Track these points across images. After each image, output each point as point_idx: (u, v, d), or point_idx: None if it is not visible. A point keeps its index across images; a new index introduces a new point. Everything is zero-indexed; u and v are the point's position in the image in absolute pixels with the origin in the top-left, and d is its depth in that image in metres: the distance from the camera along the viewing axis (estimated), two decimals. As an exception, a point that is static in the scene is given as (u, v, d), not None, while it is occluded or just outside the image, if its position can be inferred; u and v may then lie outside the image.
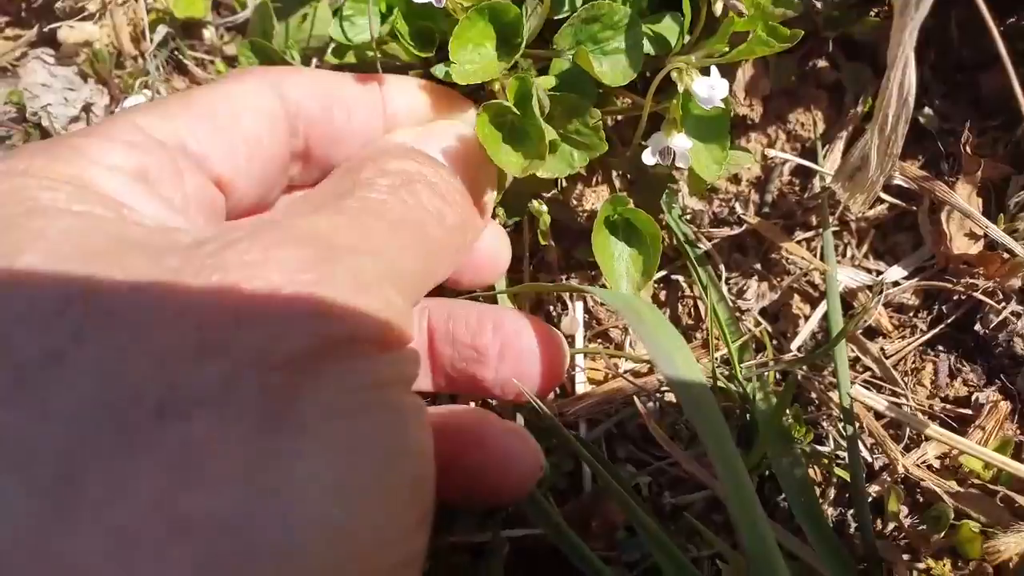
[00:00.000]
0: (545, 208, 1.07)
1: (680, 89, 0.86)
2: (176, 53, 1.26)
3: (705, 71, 0.87)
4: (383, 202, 0.60)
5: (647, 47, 0.95)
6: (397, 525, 0.45)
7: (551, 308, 1.22)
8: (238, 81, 0.70)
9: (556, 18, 1.00)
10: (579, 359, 1.18)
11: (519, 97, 0.88)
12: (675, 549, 0.87)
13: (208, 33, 1.28)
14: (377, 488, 0.45)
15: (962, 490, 1.03)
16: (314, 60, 1.14)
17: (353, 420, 0.44)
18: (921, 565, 1.01)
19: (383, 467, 0.46)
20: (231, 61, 1.27)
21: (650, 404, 1.15)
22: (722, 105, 0.86)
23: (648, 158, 0.92)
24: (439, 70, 0.96)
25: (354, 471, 0.43)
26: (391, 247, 0.56)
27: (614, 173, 1.15)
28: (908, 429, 1.09)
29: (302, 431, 0.42)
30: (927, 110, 1.23)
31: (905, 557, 1.02)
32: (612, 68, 0.92)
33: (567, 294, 1.19)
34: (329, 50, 1.04)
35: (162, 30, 1.23)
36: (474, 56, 0.89)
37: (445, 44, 0.93)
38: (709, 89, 0.83)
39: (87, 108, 1.22)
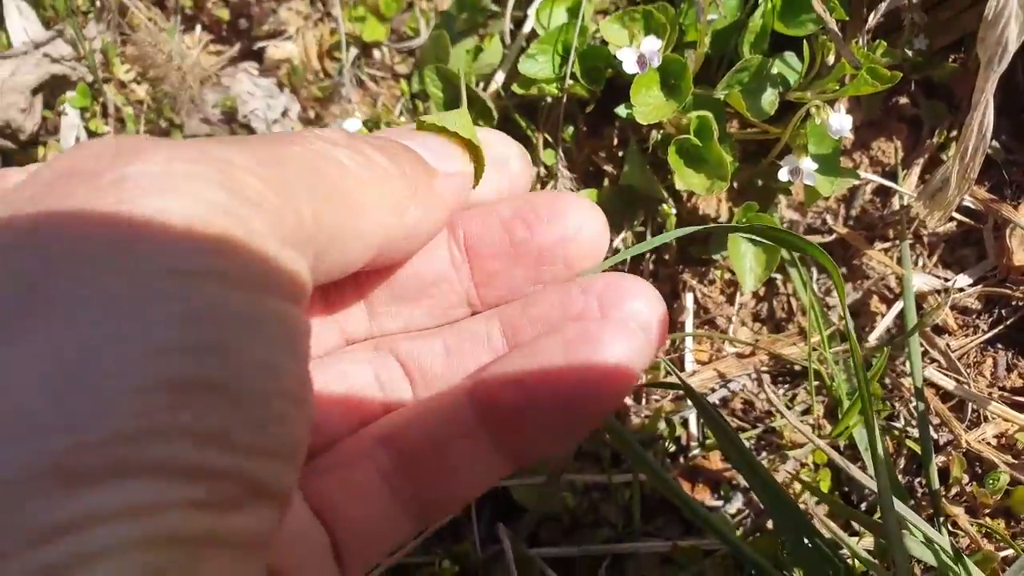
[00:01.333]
0: (674, 211, 1.29)
1: (817, 122, 1.09)
2: (356, 71, 1.50)
3: (833, 107, 1.10)
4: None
5: (777, 90, 1.19)
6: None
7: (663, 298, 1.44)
8: None
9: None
10: (688, 341, 1.40)
11: (699, 130, 1.12)
12: (781, 489, 1.07)
13: (380, 54, 1.53)
14: None
15: (1017, 462, 1.23)
16: (481, 84, 1.38)
17: None
18: (979, 522, 1.21)
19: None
20: (399, 78, 1.52)
21: (750, 382, 1.37)
22: (849, 136, 1.09)
23: (783, 175, 1.16)
24: (622, 111, 1.21)
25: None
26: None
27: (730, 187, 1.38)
28: (970, 410, 1.30)
29: None
30: (994, 143, 1.44)
31: (966, 516, 1.22)
32: (755, 105, 1.16)
33: (680, 286, 1.41)
34: (515, 83, 1.29)
35: (350, 50, 1.48)
36: (648, 99, 1.13)
37: (610, 80, 1.19)
38: (840, 123, 1.06)
39: (285, 113, 1.47)
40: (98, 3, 1.52)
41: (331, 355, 0.60)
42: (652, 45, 1.11)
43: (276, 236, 0.39)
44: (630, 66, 1.13)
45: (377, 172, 0.48)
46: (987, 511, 1.22)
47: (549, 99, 1.35)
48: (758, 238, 1.23)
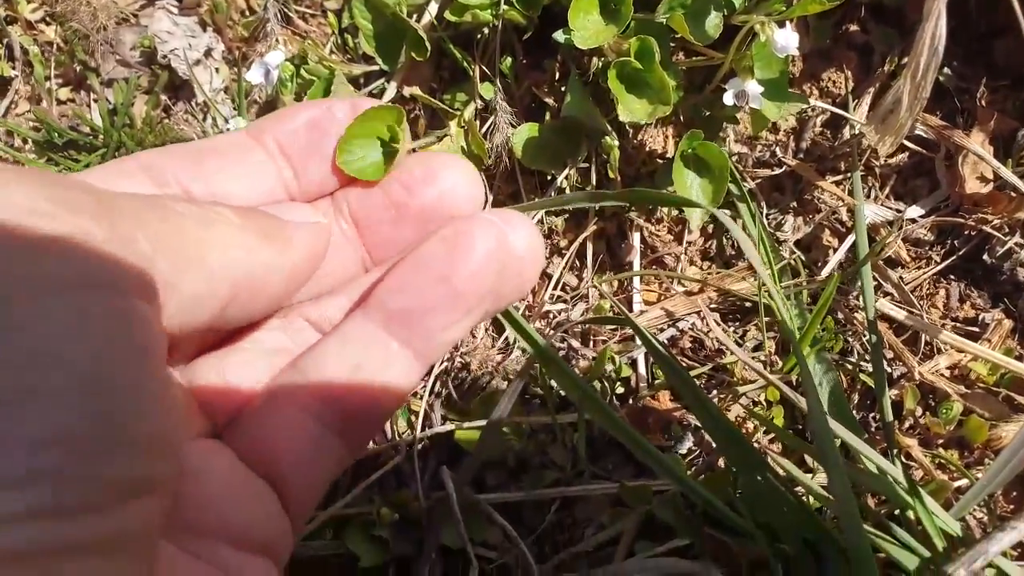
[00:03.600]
0: (616, 143, 1.24)
1: (762, 39, 1.03)
2: (283, 7, 1.42)
3: (779, 25, 1.04)
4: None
5: (721, 13, 1.13)
6: None
7: (608, 238, 1.39)
8: None
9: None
10: (635, 281, 1.35)
11: (641, 53, 1.06)
12: (735, 428, 1.03)
13: (308, -11, 1.45)
14: None
15: (969, 391, 1.20)
16: (415, 16, 1.30)
17: None
18: (932, 452, 1.19)
19: None
20: (332, 13, 1.44)
21: (700, 321, 1.33)
22: (795, 52, 1.04)
23: (728, 99, 1.11)
24: (560, 36, 1.15)
25: None
26: None
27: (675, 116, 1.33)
28: (923, 343, 1.27)
29: None
30: (946, 70, 1.40)
31: (920, 448, 1.20)
32: (699, 29, 1.10)
33: (627, 225, 1.36)
34: (448, 10, 1.21)
35: (274, -15, 1.39)
36: (586, 23, 1.07)
37: (547, 7, 1.12)
38: (786, 39, 1.01)
39: (207, 53, 1.39)
40: (1, -61, 1.41)
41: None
42: (587, -38, 1.05)
43: (109, 240, 0.38)
44: (564, -17, 1.07)
45: (216, 215, 0.48)
46: (940, 442, 1.20)
47: (485, 30, 1.28)
48: (701, 167, 1.19)
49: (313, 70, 1.28)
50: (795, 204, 1.39)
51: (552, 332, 1.29)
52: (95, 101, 1.37)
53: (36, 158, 1.35)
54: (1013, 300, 1.29)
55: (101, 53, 1.36)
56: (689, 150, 1.20)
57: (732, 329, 1.33)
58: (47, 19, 1.40)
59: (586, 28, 1.15)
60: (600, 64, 1.23)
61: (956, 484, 1.14)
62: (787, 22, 1.06)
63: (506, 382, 1.26)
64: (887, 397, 1.19)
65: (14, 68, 1.38)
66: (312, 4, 1.45)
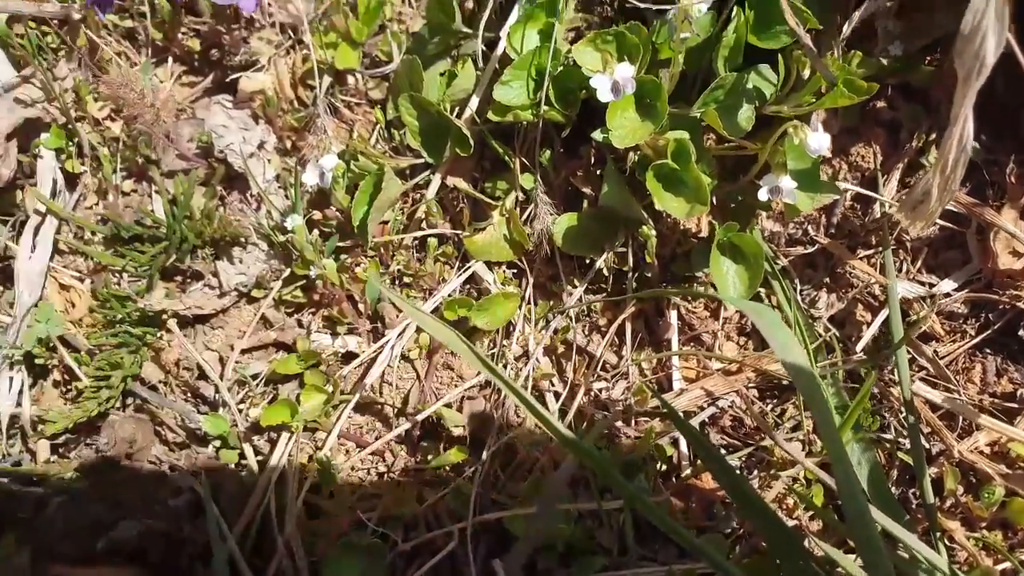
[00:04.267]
0: (654, 232, 1.28)
1: (795, 142, 1.08)
2: (330, 98, 1.49)
3: (806, 121, 1.09)
4: None
5: (753, 106, 1.18)
6: None
7: (646, 317, 1.44)
8: None
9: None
10: (675, 359, 1.39)
11: (676, 153, 1.11)
12: (772, 512, 1.07)
13: (353, 80, 1.52)
14: None
15: (1011, 472, 1.22)
16: (456, 109, 1.36)
17: None
18: (976, 535, 1.21)
19: None
20: (375, 104, 1.50)
21: (739, 399, 1.36)
22: (827, 154, 1.09)
23: (763, 195, 1.15)
24: (598, 135, 1.20)
25: None
26: None
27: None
28: (961, 420, 1.29)
29: None
30: (975, 144, 1.42)
31: (962, 528, 1.22)
32: (731, 123, 1.15)
33: (665, 303, 1.40)
34: (490, 110, 1.28)
35: (324, 79, 1.46)
36: (623, 121, 1.12)
37: (585, 101, 1.18)
38: (818, 142, 1.05)
39: (260, 145, 1.46)
40: (67, 40, 1.50)
41: None
42: (626, 72, 1.11)
43: None
44: (605, 94, 1.13)
45: None
46: (983, 524, 1.22)
47: (525, 123, 1.34)
48: (737, 254, 1.23)
49: (363, 166, 1.34)
50: (828, 280, 1.43)
51: (595, 413, 1.33)
52: (156, 192, 1.45)
53: (103, 250, 1.42)
54: (1050, 375, 1.31)
55: (162, 147, 1.44)
56: (725, 239, 1.24)
57: (770, 407, 1.36)
58: (112, 115, 1.48)
59: (623, 127, 1.21)
60: (636, 158, 1.28)
61: (1000, 567, 1.17)
62: (818, 124, 1.10)
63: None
64: (927, 478, 1.22)
65: (83, 164, 1.47)
66: (357, 93, 1.52)
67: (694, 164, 1.13)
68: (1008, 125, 1.44)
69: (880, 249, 1.40)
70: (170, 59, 1.56)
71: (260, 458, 1.31)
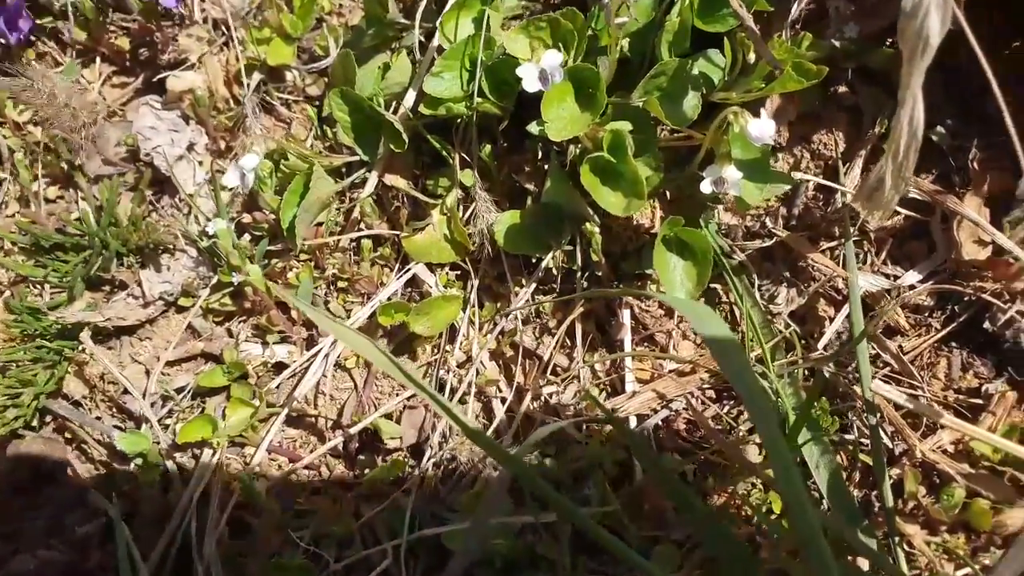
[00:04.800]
0: (597, 229, 1.22)
1: (736, 129, 1.01)
2: (265, 95, 1.42)
3: (755, 112, 1.02)
4: None
5: (700, 93, 1.11)
6: None
7: (598, 317, 1.37)
8: None
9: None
10: (627, 361, 1.33)
11: (613, 145, 1.04)
12: (722, 524, 1.01)
13: (291, 76, 1.45)
14: None
15: (974, 472, 1.16)
16: (394, 103, 1.29)
17: None
18: (937, 539, 1.15)
19: None
20: (313, 101, 1.44)
21: (693, 401, 1.30)
22: (770, 142, 1.02)
23: (706, 187, 1.09)
24: (534, 128, 1.13)
25: None
26: None
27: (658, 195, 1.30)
28: (925, 418, 1.23)
29: None
30: (939, 128, 1.36)
31: (923, 532, 1.16)
32: (675, 111, 1.09)
33: (616, 302, 1.34)
34: (422, 103, 1.21)
35: (254, 76, 1.39)
36: (561, 112, 1.06)
37: (521, 94, 1.11)
38: (760, 129, 0.98)
39: (190, 147, 1.39)
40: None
41: None
42: (553, 60, 1.04)
43: None
44: (531, 83, 1.06)
45: None
46: (944, 527, 1.15)
47: (463, 118, 1.27)
48: (684, 250, 1.16)
49: (293, 165, 1.28)
50: (788, 274, 1.36)
51: (544, 418, 1.27)
52: (83, 199, 1.38)
53: (25, 260, 1.36)
54: (1017, 369, 1.24)
55: (86, 153, 1.37)
56: (671, 234, 1.18)
57: (726, 409, 1.30)
58: (35, 120, 1.41)
59: (560, 118, 1.14)
60: (577, 151, 1.22)
61: (960, 573, 1.10)
62: (762, 110, 1.03)
63: (496, 471, 1.24)
64: (887, 481, 1.16)
65: (2, 170, 1.40)
66: (295, 90, 1.45)
67: (630, 156, 1.06)
68: (974, 109, 1.37)
69: (842, 241, 1.34)
70: (98, 59, 1.49)
71: (183, 477, 1.24)
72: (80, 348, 1.29)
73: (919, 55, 0.95)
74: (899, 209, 1.33)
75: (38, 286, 1.36)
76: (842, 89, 1.39)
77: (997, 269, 1.27)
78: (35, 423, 1.26)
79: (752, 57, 1.13)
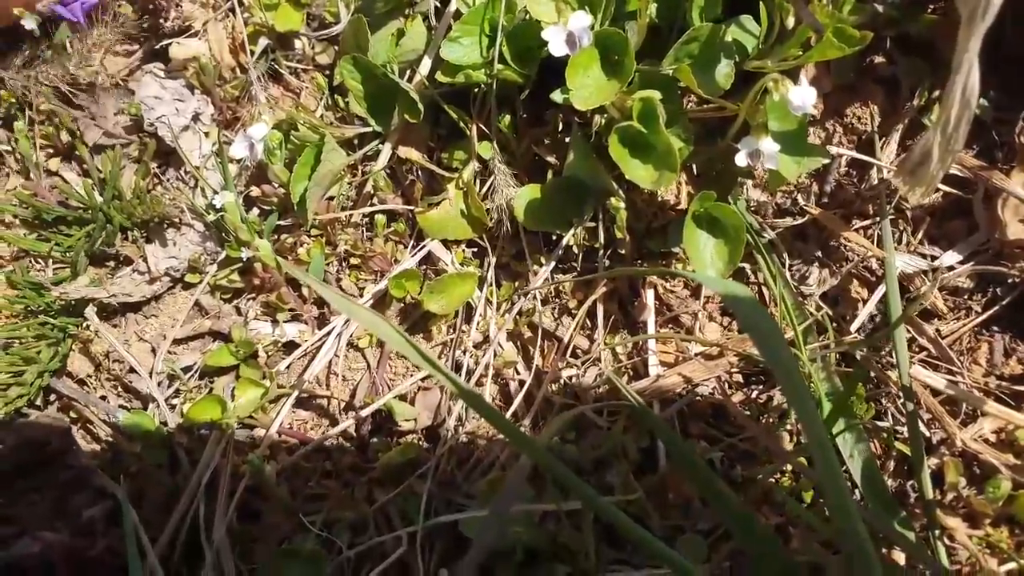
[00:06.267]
0: (623, 205, 1.16)
1: (775, 98, 0.95)
2: (273, 63, 1.36)
3: (794, 79, 0.95)
4: None
5: (732, 61, 1.04)
6: None
7: (620, 297, 1.31)
8: None
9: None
10: (651, 343, 1.27)
11: (643, 115, 0.98)
12: (748, 514, 0.95)
13: (300, 44, 1.39)
14: None
15: (1019, 463, 1.10)
16: (408, 71, 1.23)
17: None
18: (980, 532, 1.09)
19: None
20: (323, 69, 1.38)
21: (719, 385, 1.24)
22: (812, 111, 0.95)
23: (741, 160, 1.02)
24: (558, 96, 1.07)
25: None
26: None
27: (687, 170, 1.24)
28: (965, 405, 1.17)
29: None
30: (982, 101, 1.29)
31: (964, 525, 1.10)
32: (708, 80, 1.02)
33: (640, 282, 1.28)
34: (439, 70, 1.14)
35: (261, 42, 1.33)
36: (586, 80, 0.99)
37: (546, 61, 1.05)
38: (802, 97, 0.92)
39: (196, 117, 1.34)
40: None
41: None
42: (581, 22, 0.97)
43: None
44: (557, 47, 0.99)
45: None
46: (988, 520, 1.10)
47: (482, 86, 1.21)
48: (715, 227, 1.10)
49: (303, 136, 1.22)
50: (820, 254, 1.30)
51: (563, 402, 1.22)
52: (86, 171, 1.33)
53: (28, 234, 1.31)
54: (1064, 355, 1.18)
55: (84, 123, 1.31)
56: (702, 210, 1.12)
57: (755, 394, 1.24)
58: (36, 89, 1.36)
59: (586, 86, 1.08)
60: (603, 121, 1.15)
61: (1005, 568, 1.05)
62: (803, 77, 0.97)
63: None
64: (926, 470, 1.10)
65: (4, 143, 1.35)
66: (304, 58, 1.39)
67: (662, 127, 1.00)
68: (1018, 79, 1.30)
69: (878, 219, 1.27)
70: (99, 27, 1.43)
71: (191, 459, 1.20)
72: (85, 325, 1.24)
73: (979, 15, 0.89)
74: (939, 186, 1.27)
75: (41, 261, 1.31)
76: (879, 59, 1.32)
77: (1044, 250, 1.21)
78: (39, 402, 1.22)
79: (791, 22, 1.06)
